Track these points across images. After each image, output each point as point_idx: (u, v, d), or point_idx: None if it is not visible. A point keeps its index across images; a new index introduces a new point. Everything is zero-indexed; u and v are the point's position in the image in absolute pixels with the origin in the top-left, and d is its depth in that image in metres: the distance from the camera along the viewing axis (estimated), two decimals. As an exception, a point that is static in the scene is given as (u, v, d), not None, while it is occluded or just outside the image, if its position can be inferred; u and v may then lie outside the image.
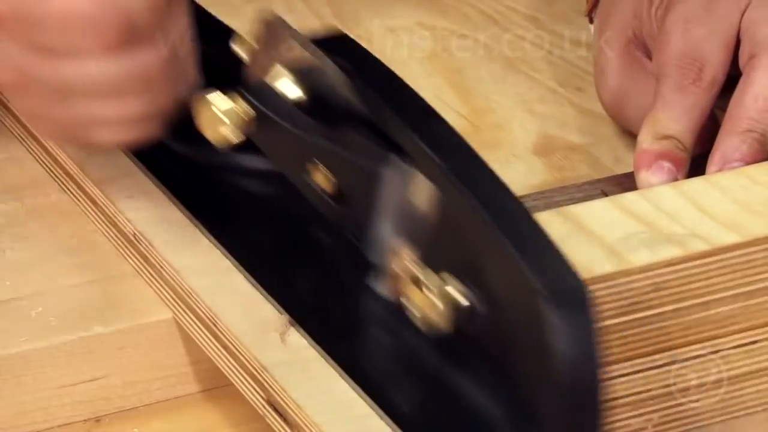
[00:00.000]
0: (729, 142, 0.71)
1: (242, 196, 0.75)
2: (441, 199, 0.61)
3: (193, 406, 0.72)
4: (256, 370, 0.65)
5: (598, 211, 0.64)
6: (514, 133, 0.81)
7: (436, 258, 0.61)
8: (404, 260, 0.63)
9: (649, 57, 0.77)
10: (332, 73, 0.67)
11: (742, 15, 0.74)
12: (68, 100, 0.69)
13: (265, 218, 0.74)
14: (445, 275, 0.59)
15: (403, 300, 0.62)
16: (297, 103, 0.69)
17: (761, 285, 0.64)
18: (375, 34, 0.90)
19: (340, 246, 0.69)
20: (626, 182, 0.72)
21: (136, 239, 0.72)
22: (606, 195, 0.70)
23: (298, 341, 0.65)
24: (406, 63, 0.87)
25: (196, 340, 0.70)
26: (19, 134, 0.82)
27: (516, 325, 0.57)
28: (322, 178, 0.67)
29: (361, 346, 0.66)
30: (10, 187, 0.80)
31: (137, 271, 0.73)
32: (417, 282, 0.61)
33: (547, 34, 0.90)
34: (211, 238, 0.71)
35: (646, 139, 0.72)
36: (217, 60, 0.73)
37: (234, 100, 0.69)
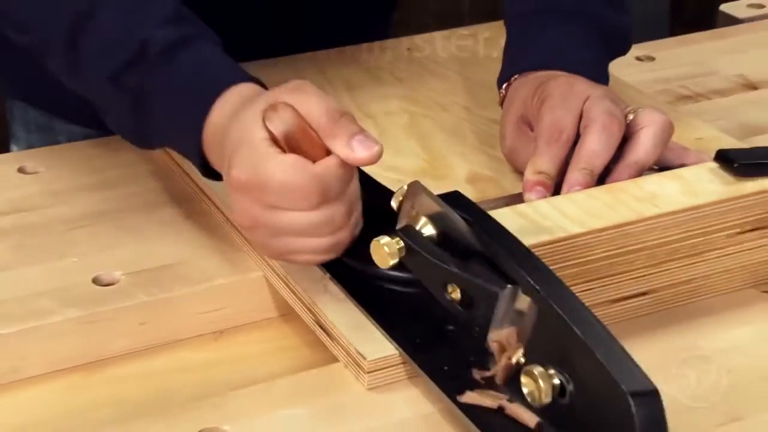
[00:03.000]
0: (574, 175, 0.77)
1: (389, 295, 0.74)
2: (539, 313, 0.62)
3: (274, 324, 0.78)
4: (309, 305, 0.73)
5: (502, 214, 0.72)
6: (454, 170, 0.87)
7: (538, 355, 0.62)
8: (513, 352, 0.64)
9: (531, 128, 0.83)
10: (456, 219, 0.68)
11: (584, 104, 0.80)
12: (282, 236, 0.71)
13: (404, 310, 0.73)
14: (548, 367, 0.61)
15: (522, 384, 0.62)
16: (432, 239, 0.69)
17: (595, 256, 0.72)
18: (377, 114, 0.93)
19: (463, 337, 0.68)
20: (518, 199, 0.79)
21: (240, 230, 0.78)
22: (507, 205, 0.75)
23: (334, 288, 0.73)
24: (394, 130, 0.91)
25: (276, 287, 0.77)
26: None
27: (601, 406, 0.58)
28: (454, 293, 0.68)
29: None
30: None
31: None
32: (532, 373, 0.61)
33: (476, 116, 0.94)
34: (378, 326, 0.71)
35: (528, 174, 0.79)
36: (380, 209, 0.74)
37: (392, 238, 0.69)
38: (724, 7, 1.25)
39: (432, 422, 0.67)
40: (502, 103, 0.89)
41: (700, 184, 0.77)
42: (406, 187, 0.71)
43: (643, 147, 0.79)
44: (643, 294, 0.75)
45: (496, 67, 0.92)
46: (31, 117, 1.07)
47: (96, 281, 0.77)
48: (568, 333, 0.60)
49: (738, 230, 0.77)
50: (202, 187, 0.86)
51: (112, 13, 0.77)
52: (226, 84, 0.75)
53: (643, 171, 0.80)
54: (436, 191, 0.72)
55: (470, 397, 0.65)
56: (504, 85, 0.89)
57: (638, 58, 1.12)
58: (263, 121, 0.69)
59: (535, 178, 0.78)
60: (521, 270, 0.64)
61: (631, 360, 0.58)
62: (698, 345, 0.74)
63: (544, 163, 0.79)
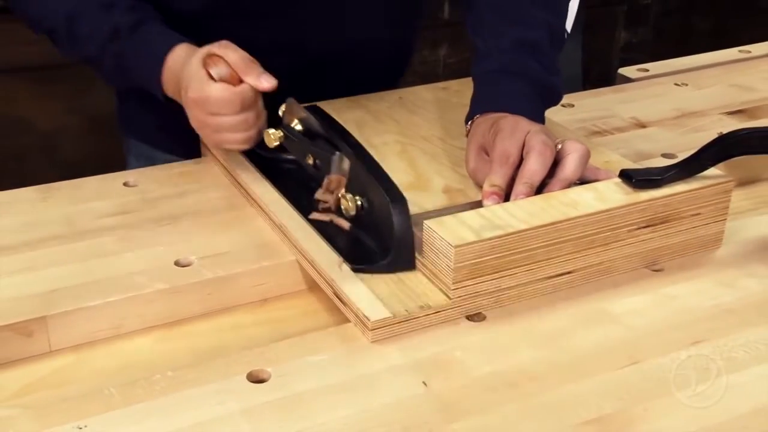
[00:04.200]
0: (518, 188, 0.76)
1: (282, 170, 0.86)
2: (353, 167, 0.75)
3: (304, 295, 0.77)
4: (329, 281, 0.72)
5: (468, 216, 0.71)
6: (433, 183, 0.85)
7: (352, 188, 0.75)
8: (339, 189, 0.77)
9: (487, 154, 0.81)
10: (312, 119, 0.81)
11: (525, 136, 0.79)
12: (219, 132, 0.82)
13: (289, 177, 0.85)
14: (356, 195, 0.75)
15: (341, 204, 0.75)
16: (300, 131, 0.83)
17: (535, 246, 0.71)
18: (378, 144, 0.92)
19: (316, 186, 0.79)
20: (479, 204, 0.76)
21: (280, 227, 0.79)
22: (472, 209, 0.73)
23: (346, 269, 0.72)
24: (390, 156, 0.90)
25: (305, 268, 0.77)
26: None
27: (381, 213, 0.72)
28: (311, 160, 0.81)
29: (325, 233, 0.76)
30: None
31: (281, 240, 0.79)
32: (345, 197, 0.75)
33: (449, 145, 0.92)
34: (274, 187, 0.83)
35: (486, 187, 0.77)
36: (272, 117, 0.85)
37: (278, 130, 0.83)
38: (621, 71, 1.25)
39: (417, 366, 0.66)
40: (467, 136, 0.87)
41: (609, 194, 0.76)
42: (285, 103, 0.84)
43: (569, 167, 0.78)
44: (569, 273, 0.74)
45: (464, 110, 0.90)
46: (141, 151, 1.08)
47: (177, 264, 0.76)
48: (365, 176, 0.73)
49: (635, 227, 0.76)
50: (252, 196, 0.85)
51: (92, 8, 0.88)
52: (171, 44, 0.86)
53: (569, 185, 0.78)
54: (420, 200, 0.74)
55: (314, 215, 0.79)
56: (469, 123, 0.88)
57: (563, 105, 1.11)
58: (203, 64, 0.81)
59: (491, 190, 0.77)
60: (344, 144, 0.77)
61: (395, 186, 0.71)
62: (607, 309, 0.72)
63: (497, 179, 0.78)
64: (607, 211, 0.74)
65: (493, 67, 0.88)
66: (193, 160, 0.95)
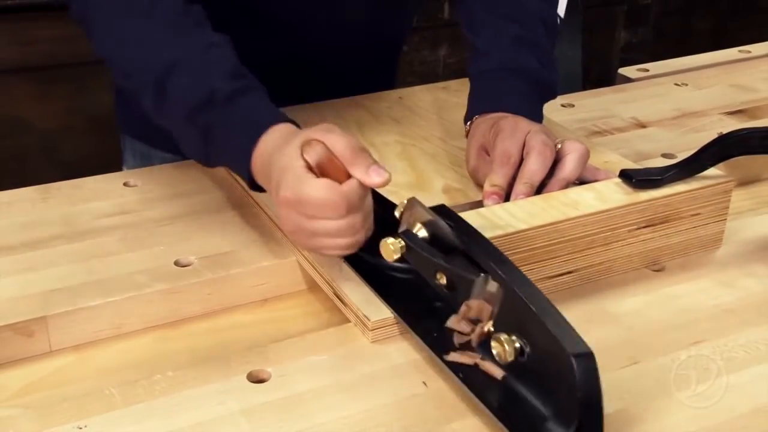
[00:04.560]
0: (519, 188, 0.76)
1: (394, 281, 0.71)
2: (504, 294, 0.60)
3: (304, 294, 0.77)
4: (329, 281, 0.73)
5: (468, 216, 0.71)
6: (433, 184, 0.85)
7: (503, 325, 0.60)
8: (485, 323, 0.61)
9: (488, 154, 0.82)
10: (443, 225, 0.66)
11: (525, 136, 0.79)
12: (317, 237, 0.68)
13: (406, 292, 0.70)
14: (511, 334, 0.59)
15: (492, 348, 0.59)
16: (425, 240, 0.67)
17: (536, 246, 0.71)
18: (378, 144, 0.92)
19: (448, 312, 0.64)
20: (479, 204, 0.77)
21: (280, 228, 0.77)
22: (472, 209, 0.74)
23: (346, 269, 0.71)
24: (390, 156, 0.90)
25: (305, 268, 0.76)
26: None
27: (549, 362, 0.56)
28: (442, 279, 0.66)
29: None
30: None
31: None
32: (500, 339, 0.59)
33: (449, 145, 0.92)
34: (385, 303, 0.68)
35: (486, 187, 0.78)
36: (387, 219, 0.71)
37: (396, 239, 0.68)
38: (621, 71, 1.25)
39: (417, 366, 0.66)
40: (467, 136, 0.87)
41: (609, 194, 0.76)
42: (405, 202, 0.69)
43: (568, 167, 0.78)
44: (569, 272, 0.74)
45: (463, 110, 0.90)
46: (137, 148, 1.06)
47: (176, 263, 0.76)
48: (525, 309, 0.58)
49: (635, 227, 0.75)
50: (252, 196, 0.84)
51: (190, 67, 0.74)
52: (270, 123, 0.72)
53: (568, 185, 0.78)
54: (420, 200, 0.70)
55: (453, 356, 0.63)
56: (468, 123, 0.87)
57: (563, 105, 1.11)
58: (301, 153, 0.67)
59: (491, 190, 0.77)
60: (491, 262, 0.62)
61: (572, 329, 0.56)
62: (607, 309, 0.72)
63: (497, 178, 0.78)
64: (607, 211, 0.73)
65: (491, 66, 0.87)
66: (192, 160, 0.92)
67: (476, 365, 0.62)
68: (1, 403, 0.63)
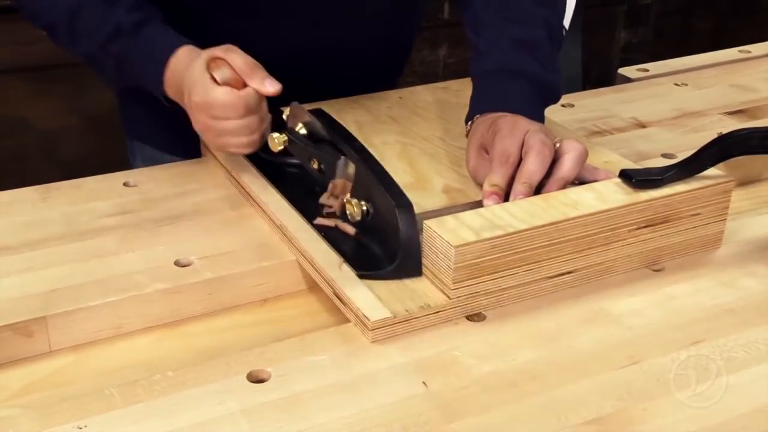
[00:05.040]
0: (518, 187, 0.76)
1: (286, 174, 0.86)
2: (358, 172, 0.74)
3: (304, 295, 0.77)
4: (329, 281, 0.72)
5: (468, 216, 0.72)
6: (433, 183, 0.85)
7: (357, 193, 0.74)
8: (344, 194, 0.76)
9: (487, 153, 0.81)
10: (317, 123, 0.81)
11: (524, 136, 0.79)
12: (222, 136, 0.81)
13: (293, 181, 0.84)
14: (361, 200, 0.74)
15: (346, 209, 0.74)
16: (305, 135, 0.82)
17: (535, 245, 0.71)
18: (377, 144, 0.92)
19: (320, 190, 0.79)
20: (479, 204, 0.76)
21: (280, 227, 0.79)
22: (472, 209, 0.73)
23: (346, 269, 0.72)
24: (390, 155, 0.90)
25: (305, 268, 0.77)
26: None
27: (386, 218, 0.71)
28: (315, 164, 0.80)
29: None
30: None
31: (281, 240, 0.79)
32: (350, 202, 0.74)
33: (449, 145, 0.92)
34: (277, 190, 0.82)
35: (486, 186, 0.77)
36: (276, 120, 0.85)
37: (282, 134, 0.83)
38: (621, 71, 1.25)
39: (417, 366, 0.65)
40: (467, 135, 0.87)
41: (609, 194, 0.75)
42: (290, 108, 0.84)
43: (566, 167, 0.78)
44: (569, 272, 0.74)
45: (463, 110, 0.90)
46: (146, 152, 1.08)
47: (177, 263, 0.76)
48: (369, 179, 0.72)
49: (635, 227, 0.75)
50: (252, 196, 0.85)
51: (95, 3, 0.86)
52: (175, 46, 0.84)
53: (567, 184, 0.78)
54: (420, 200, 0.72)
55: (319, 220, 0.78)
56: (469, 123, 0.87)
57: (563, 105, 1.11)
58: (207, 67, 0.80)
59: (491, 189, 0.77)
60: (348, 148, 0.76)
61: (401, 191, 0.71)
62: (607, 309, 0.72)
63: (497, 178, 0.78)
64: (607, 211, 0.73)
65: (493, 67, 0.88)
66: (193, 160, 0.95)
67: (336, 226, 0.77)
68: (1, 403, 0.63)
